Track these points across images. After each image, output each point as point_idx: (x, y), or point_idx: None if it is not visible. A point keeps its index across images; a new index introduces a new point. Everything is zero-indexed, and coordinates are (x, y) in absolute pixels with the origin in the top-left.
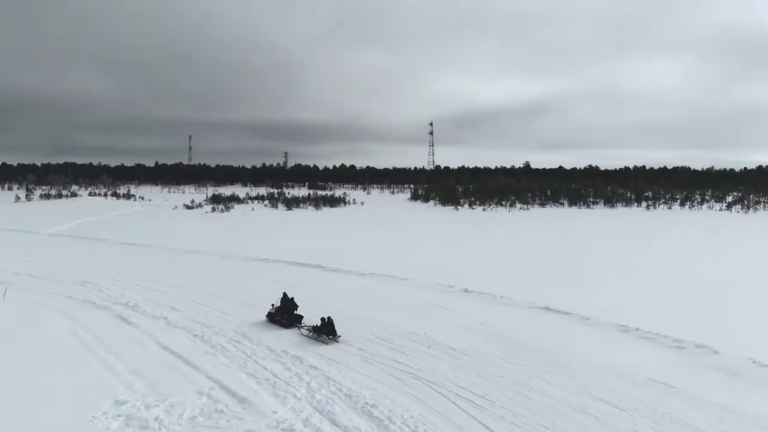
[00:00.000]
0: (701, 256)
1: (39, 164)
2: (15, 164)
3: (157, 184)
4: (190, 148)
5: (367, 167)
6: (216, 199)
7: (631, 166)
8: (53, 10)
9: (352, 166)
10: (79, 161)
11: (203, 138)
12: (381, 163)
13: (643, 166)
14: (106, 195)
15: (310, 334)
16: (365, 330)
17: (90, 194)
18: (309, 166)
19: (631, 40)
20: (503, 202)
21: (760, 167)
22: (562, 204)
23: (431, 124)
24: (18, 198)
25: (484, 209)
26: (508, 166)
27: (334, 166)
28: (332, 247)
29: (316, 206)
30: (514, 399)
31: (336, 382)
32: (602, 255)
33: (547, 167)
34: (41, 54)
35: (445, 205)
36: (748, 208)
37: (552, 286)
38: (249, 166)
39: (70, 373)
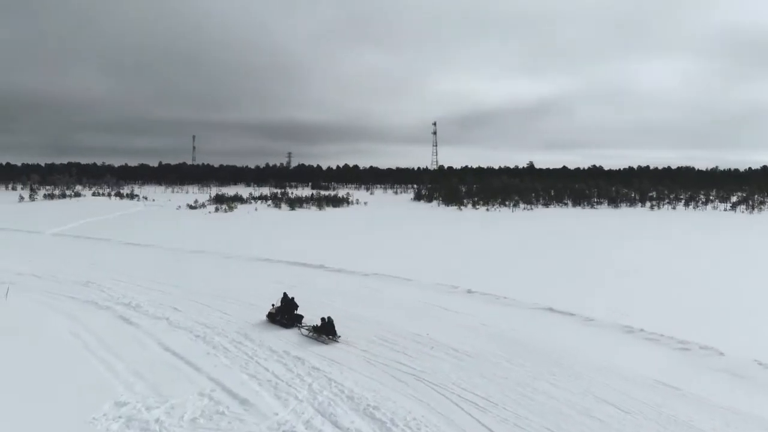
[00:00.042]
0: (705, 257)
1: (43, 164)
2: (19, 164)
3: (160, 184)
4: (194, 148)
5: (371, 167)
6: (219, 199)
7: (635, 166)
8: (56, 11)
9: (356, 166)
10: (83, 161)
11: (207, 138)
12: (384, 163)
13: (647, 166)
14: (109, 195)
15: (310, 334)
16: (368, 331)
17: (93, 194)
18: (312, 166)
19: (636, 39)
20: (507, 203)
21: (764, 167)
22: (566, 204)
23: (434, 123)
24: (22, 198)
25: (487, 209)
26: (512, 166)
27: (338, 166)
28: (335, 248)
29: (319, 206)
30: (517, 401)
31: (338, 384)
32: (606, 255)
33: (551, 167)
34: (45, 55)
35: (448, 206)
36: (753, 209)
37: (555, 286)
38: (252, 166)
39: (70, 373)
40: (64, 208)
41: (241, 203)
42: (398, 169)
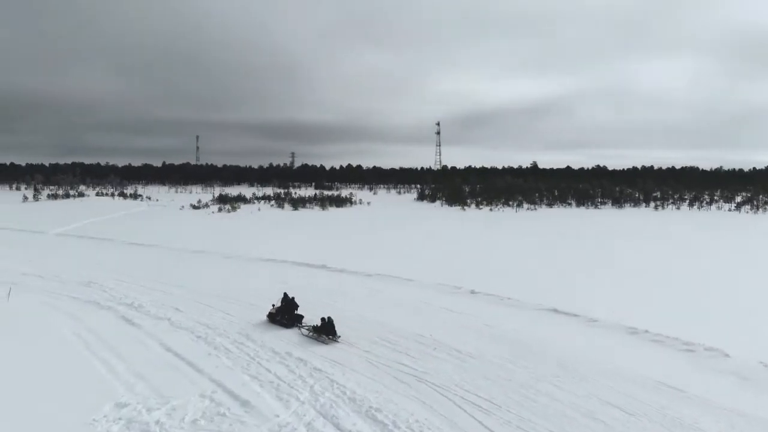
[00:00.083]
0: (710, 258)
1: (47, 164)
2: (23, 164)
3: (164, 184)
4: (198, 148)
5: (374, 167)
6: (222, 199)
7: (639, 166)
8: (59, 12)
9: (359, 166)
10: (87, 161)
11: (211, 138)
12: (387, 163)
13: (651, 166)
14: (113, 195)
15: (311, 334)
16: (370, 331)
17: (97, 194)
18: (316, 166)
19: (640, 39)
20: (510, 203)
21: None
22: (569, 204)
23: (438, 123)
24: (25, 198)
25: (491, 209)
26: (516, 166)
27: (341, 166)
28: (338, 248)
29: (323, 206)
30: (521, 403)
31: (340, 385)
32: (610, 256)
33: (555, 167)
34: (49, 55)
35: (451, 206)
36: (758, 209)
37: (559, 287)
38: (256, 167)
39: (71, 374)
40: (67, 208)
41: (245, 203)
42: (401, 169)
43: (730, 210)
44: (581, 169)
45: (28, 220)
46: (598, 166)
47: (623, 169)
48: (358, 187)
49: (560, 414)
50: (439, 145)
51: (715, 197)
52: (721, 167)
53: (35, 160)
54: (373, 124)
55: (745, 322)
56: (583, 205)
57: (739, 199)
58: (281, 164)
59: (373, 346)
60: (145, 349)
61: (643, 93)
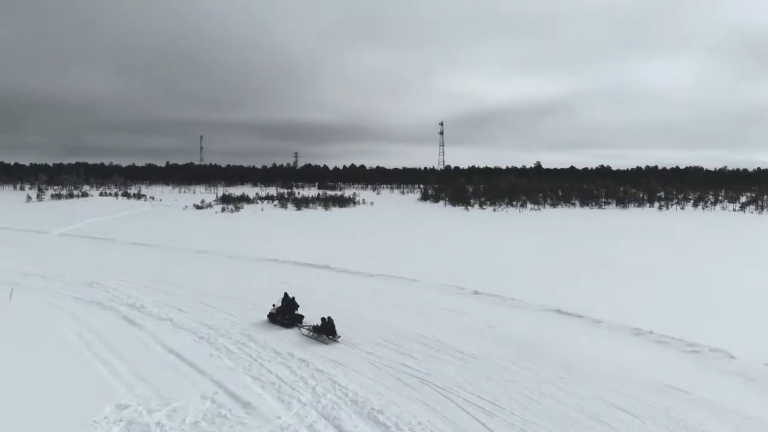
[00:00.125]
0: (715, 258)
1: (51, 164)
2: (27, 164)
3: (168, 184)
4: (201, 148)
5: (377, 167)
6: (226, 199)
7: (643, 166)
8: (61, 12)
9: (362, 166)
10: (91, 161)
11: (214, 138)
12: (391, 163)
13: (656, 166)
14: (116, 195)
15: (311, 333)
16: (373, 332)
17: (101, 194)
18: (319, 166)
19: (643, 39)
20: (514, 203)
21: None
22: (573, 204)
23: (441, 123)
24: (29, 198)
25: (494, 209)
26: (519, 166)
27: (344, 166)
28: (341, 248)
29: (326, 206)
30: (524, 405)
31: (342, 387)
32: (614, 256)
33: (559, 167)
34: (53, 55)
35: (455, 206)
36: (762, 209)
37: (563, 288)
38: (259, 167)
39: (72, 375)
40: (71, 208)
41: (248, 203)
42: (405, 169)
43: (734, 210)
44: (585, 169)
45: (32, 220)
46: (602, 166)
47: (627, 169)
48: (362, 187)
49: (564, 416)
50: (443, 145)
51: (720, 197)
52: (725, 167)
53: (39, 161)
54: (377, 124)
55: (750, 323)
56: (587, 205)
57: (743, 199)
58: (285, 164)
59: (375, 347)
60: (146, 350)
61: (647, 93)
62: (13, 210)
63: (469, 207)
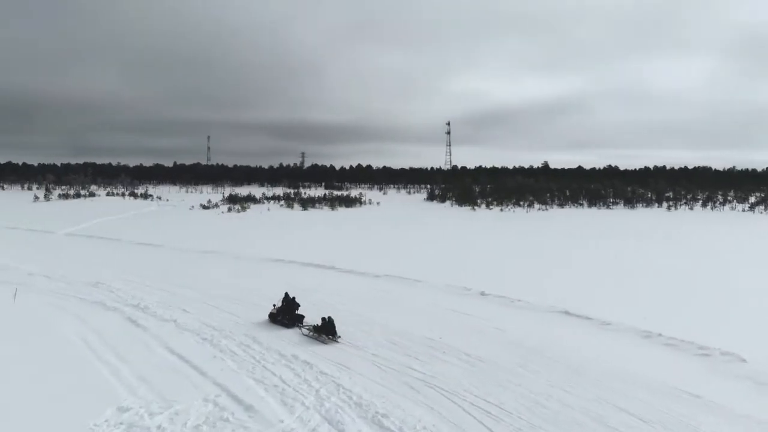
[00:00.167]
0: (725, 259)
1: (59, 164)
2: (35, 164)
3: (175, 184)
4: (209, 148)
5: (384, 167)
6: (232, 199)
7: (651, 166)
8: (71, 11)
9: (369, 166)
10: (98, 161)
11: (222, 138)
12: (397, 163)
13: (664, 166)
14: (123, 195)
15: (311, 333)
16: (378, 334)
17: (108, 194)
18: (326, 166)
19: (652, 39)
20: (521, 203)
21: None
22: (581, 204)
23: (448, 123)
24: (36, 198)
25: (501, 210)
26: (526, 166)
27: (351, 167)
28: (347, 248)
29: (332, 206)
30: (531, 409)
31: (346, 390)
32: (622, 257)
33: (566, 167)
34: (62, 55)
35: (461, 206)
36: None
37: (571, 289)
38: (266, 167)
39: (73, 377)
40: (78, 207)
41: (254, 203)
42: (411, 169)
43: (744, 210)
44: (593, 169)
45: (39, 220)
46: (610, 166)
47: (635, 169)
48: (368, 187)
49: (572, 420)
50: (450, 145)
51: (729, 197)
52: (734, 167)
53: (47, 160)
54: (384, 124)
55: (762, 325)
56: (595, 205)
57: (752, 199)
58: (291, 164)
59: (380, 349)
60: (149, 352)
61: (656, 92)
62: (21, 210)
63: (475, 207)
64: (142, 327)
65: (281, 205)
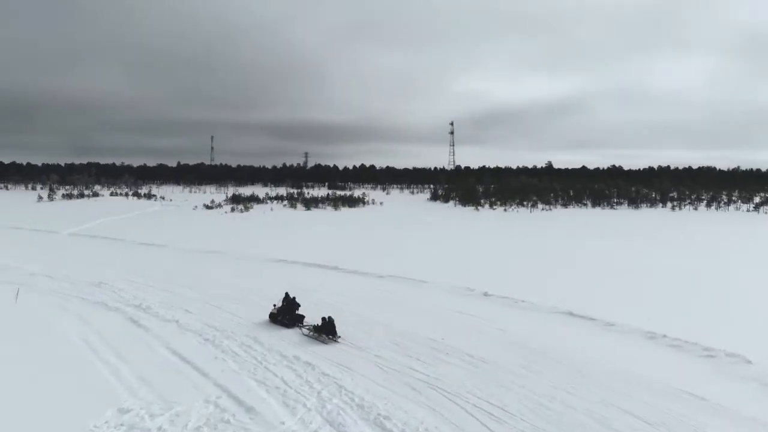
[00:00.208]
0: (730, 260)
1: (63, 164)
2: (39, 164)
3: (179, 184)
4: (212, 148)
5: (387, 167)
6: (235, 199)
7: (655, 166)
8: (77, 12)
9: (372, 166)
10: (102, 161)
11: (226, 138)
12: (401, 163)
13: (668, 166)
14: (127, 195)
15: (311, 333)
16: (381, 335)
17: (111, 194)
18: (329, 166)
19: (655, 39)
20: (525, 203)
21: None
22: (585, 205)
23: (452, 123)
24: (40, 198)
25: (505, 210)
26: (530, 166)
27: (354, 167)
28: (350, 248)
29: (335, 206)
30: (535, 411)
31: (348, 391)
32: (627, 257)
33: (570, 167)
34: (66, 55)
35: (465, 206)
36: None
37: (575, 289)
38: (270, 167)
39: (74, 378)
40: (81, 207)
41: (257, 203)
42: (415, 169)
43: (748, 211)
44: (596, 169)
45: (42, 220)
46: (614, 166)
47: (639, 169)
48: (371, 187)
49: (575, 423)
50: (453, 145)
51: (733, 197)
52: (738, 167)
53: (51, 161)
54: (387, 124)
55: (767, 326)
56: (599, 205)
57: (757, 199)
58: (295, 164)
59: (383, 350)
60: (150, 352)
61: (659, 92)
62: (25, 210)
63: (479, 207)
64: (143, 327)
65: (284, 205)
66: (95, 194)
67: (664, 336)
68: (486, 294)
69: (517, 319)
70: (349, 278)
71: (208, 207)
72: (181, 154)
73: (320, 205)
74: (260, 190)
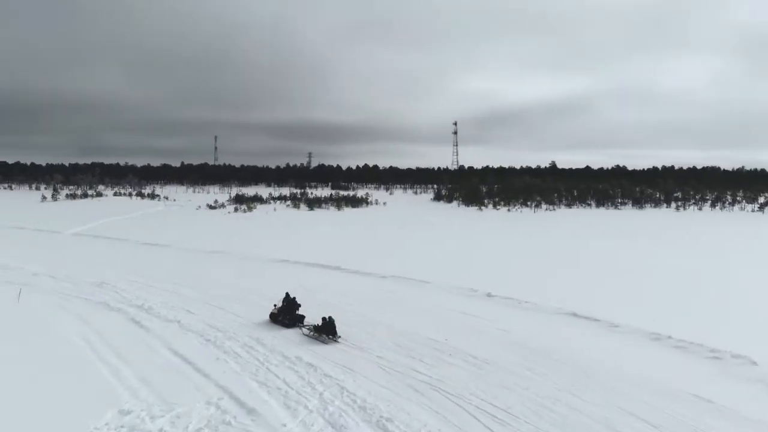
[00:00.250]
0: (735, 260)
1: (67, 164)
2: (43, 164)
3: (182, 184)
4: (216, 148)
5: (390, 167)
6: (239, 200)
7: (659, 166)
8: (80, 11)
9: (375, 166)
10: (106, 161)
11: (229, 138)
12: (404, 163)
13: (672, 166)
14: (131, 195)
15: (311, 333)
16: (383, 335)
17: (115, 194)
18: (332, 166)
19: (659, 39)
20: (528, 203)
21: None
22: (589, 205)
23: (455, 123)
24: (44, 198)
25: (508, 210)
26: (534, 166)
27: (357, 167)
28: (353, 249)
29: (338, 207)
30: (539, 413)
31: (350, 393)
32: (631, 257)
33: (574, 167)
34: (70, 55)
35: (468, 206)
36: None
37: (579, 290)
38: (273, 167)
39: (74, 379)
40: (85, 207)
41: (261, 203)
42: (418, 169)
43: (753, 211)
44: (600, 169)
45: (45, 220)
46: (618, 166)
47: (643, 169)
48: (375, 187)
49: (580, 425)
50: (456, 145)
51: (738, 198)
52: (743, 167)
53: (55, 161)
54: (390, 124)
55: None
56: (603, 205)
57: (762, 199)
58: (298, 164)
59: (385, 351)
60: (152, 353)
61: (664, 92)
62: (28, 210)
63: (482, 207)
64: (145, 328)
65: (288, 206)
66: (99, 194)
67: (669, 337)
68: (489, 294)
69: (521, 320)
70: (352, 278)
71: (211, 207)
72: (184, 154)
73: (323, 205)
74: (264, 190)
